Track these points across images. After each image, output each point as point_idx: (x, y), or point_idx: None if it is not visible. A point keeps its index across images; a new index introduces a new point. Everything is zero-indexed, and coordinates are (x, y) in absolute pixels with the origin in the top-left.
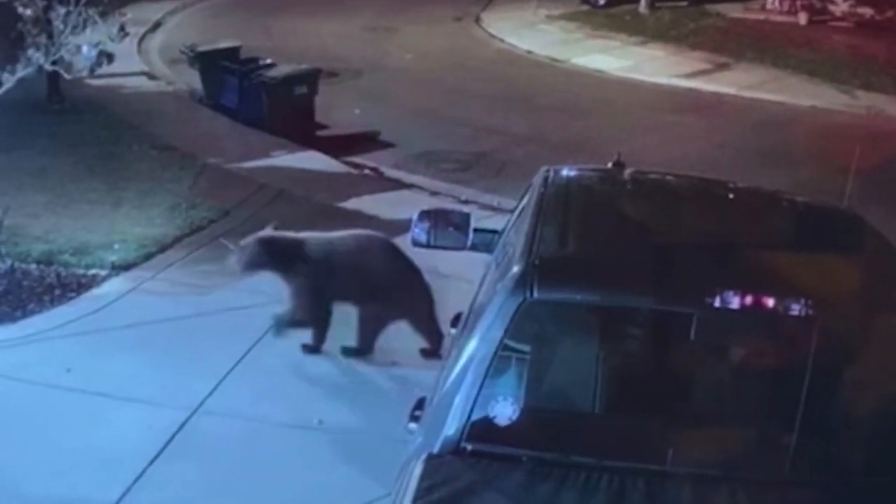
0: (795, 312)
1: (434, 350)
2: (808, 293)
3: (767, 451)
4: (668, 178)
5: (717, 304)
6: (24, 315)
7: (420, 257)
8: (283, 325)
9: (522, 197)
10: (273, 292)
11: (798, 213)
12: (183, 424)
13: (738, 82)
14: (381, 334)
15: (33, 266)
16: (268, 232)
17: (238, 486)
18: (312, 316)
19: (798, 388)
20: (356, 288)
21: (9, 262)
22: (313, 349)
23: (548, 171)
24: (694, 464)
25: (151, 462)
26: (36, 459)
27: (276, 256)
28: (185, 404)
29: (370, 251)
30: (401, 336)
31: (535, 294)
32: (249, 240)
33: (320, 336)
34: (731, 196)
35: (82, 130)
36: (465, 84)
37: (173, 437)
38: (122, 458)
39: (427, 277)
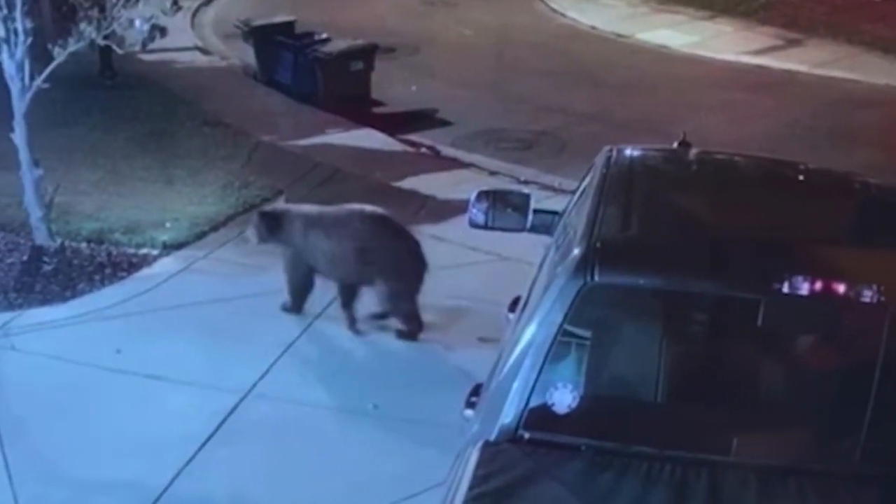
0: (867, 299)
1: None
2: (880, 279)
3: (836, 443)
4: (736, 158)
5: (785, 289)
6: (74, 295)
7: (478, 239)
8: (287, 301)
9: (584, 177)
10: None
11: (871, 197)
12: (234, 408)
13: (810, 59)
14: (419, 310)
15: (84, 245)
16: (275, 205)
17: (289, 471)
18: (294, 287)
19: (869, 377)
20: (354, 267)
21: (59, 240)
22: (351, 327)
23: (611, 150)
24: (759, 455)
25: (202, 446)
26: (84, 442)
27: (272, 229)
28: (236, 387)
29: (362, 230)
30: (457, 320)
31: (597, 277)
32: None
33: (349, 315)
34: (801, 178)
35: (134, 106)
36: (525, 60)
37: (224, 420)
38: (172, 442)
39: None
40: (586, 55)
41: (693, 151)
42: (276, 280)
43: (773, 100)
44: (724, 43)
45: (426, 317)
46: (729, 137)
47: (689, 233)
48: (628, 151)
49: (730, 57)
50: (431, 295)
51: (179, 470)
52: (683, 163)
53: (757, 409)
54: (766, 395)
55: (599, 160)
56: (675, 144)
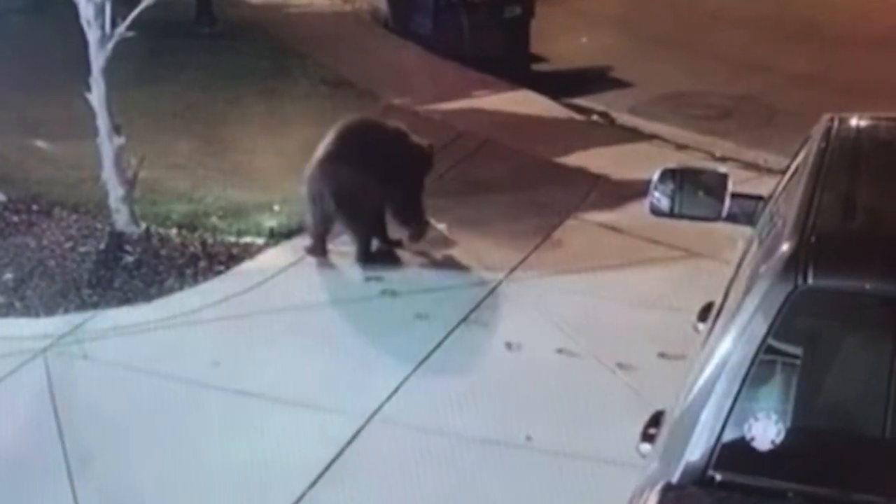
0: None
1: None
2: None
3: None
4: None
5: None
6: (162, 293)
7: (661, 230)
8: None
9: (797, 153)
10: (478, 272)
11: None
12: (354, 436)
13: None
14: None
15: (174, 231)
16: None
17: None
18: None
19: None
20: None
21: (144, 225)
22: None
23: (831, 120)
24: None
25: (314, 482)
26: (170, 475)
27: None
28: (357, 410)
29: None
30: (633, 331)
31: (810, 280)
32: None
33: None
34: None
35: (238, 60)
36: (726, 6)
37: (342, 451)
38: (278, 476)
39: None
40: (803, 1)
41: None
42: (410, 278)
43: None
44: None
45: (597, 325)
46: None
47: None
48: (854, 121)
49: None
50: (602, 298)
51: None
52: None
53: None
54: None
55: (817, 132)
56: None
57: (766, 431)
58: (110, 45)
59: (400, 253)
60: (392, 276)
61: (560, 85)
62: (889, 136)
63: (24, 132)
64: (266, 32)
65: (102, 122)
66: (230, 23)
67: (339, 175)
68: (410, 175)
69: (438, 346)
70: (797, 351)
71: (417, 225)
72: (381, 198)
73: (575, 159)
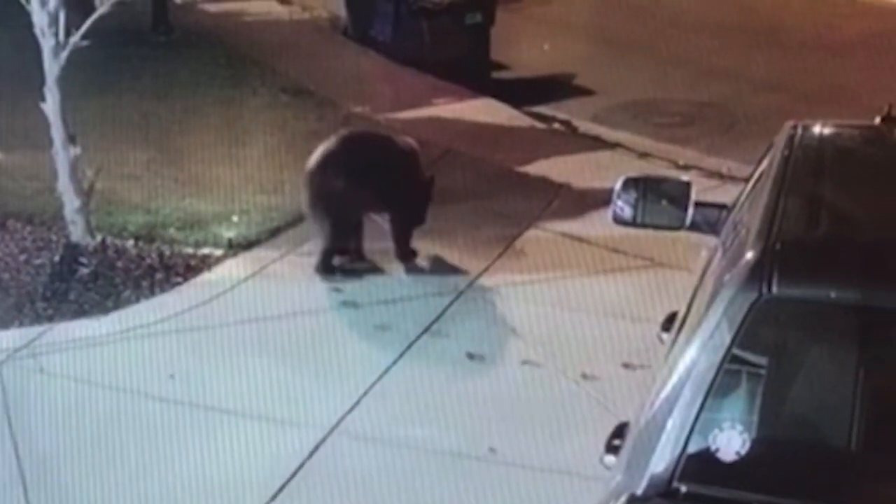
0: None
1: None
2: None
3: None
4: None
5: None
6: (118, 305)
7: (624, 239)
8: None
9: (761, 161)
10: (439, 282)
11: None
12: (315, 449)
13: None
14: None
15: (130, 242)
16: None
17: None
18: None
19: None
20: None
21: (100, 236)
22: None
23: (795, 127)
24: None
25: (273, 497)
26: (127, 489)
27: None
28: (318, 423)
29: None
30: (597, 342)
31: (775, 288)
32: None
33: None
34: None
35: (195, 69)
36: (689, 12)
37: (302, 464)
38: (236, 491)
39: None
40: (766, 6)
41: None
42: (372, 289)
43: None
44: None
45: (560, 336)
46: None
47: None
48: (817, 129)
49: None
50: (565, 308)
51: None
52: (888, 143)
53: None
54: None
55: (780, 140)
56: (878, 120)
57: (731, 442)
58: (65, 55)
59: (361, 264)
60: (352, 287)
61: (522, 93)
62: (852, 143)
63: None
64: (224, 41)
65: (57, 132)
66: (187, 31)
67: (321, 182)
68: (400, 195)
69: (400, 357)
70: (762, 360)
71: (402, 250)
72: (358, 211)
73: (537, 168)
